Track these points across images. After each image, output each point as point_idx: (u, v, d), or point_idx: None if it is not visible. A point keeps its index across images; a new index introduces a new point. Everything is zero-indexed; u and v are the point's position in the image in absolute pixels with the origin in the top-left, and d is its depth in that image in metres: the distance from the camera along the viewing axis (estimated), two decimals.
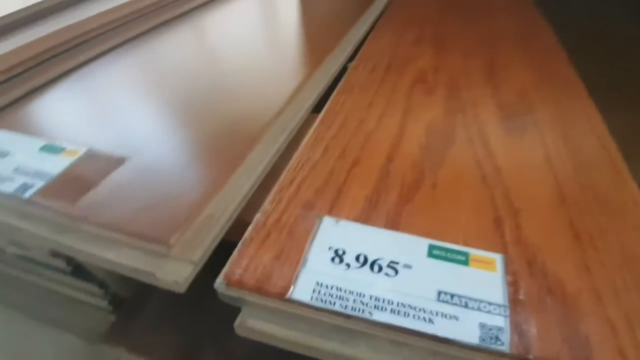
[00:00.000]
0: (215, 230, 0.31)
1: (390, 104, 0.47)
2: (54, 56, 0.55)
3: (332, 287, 0.26)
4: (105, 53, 0.60)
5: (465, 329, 0.24)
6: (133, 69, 0.56)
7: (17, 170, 0.37)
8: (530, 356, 0.23)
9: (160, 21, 0.71)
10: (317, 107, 0.48)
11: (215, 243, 0.31)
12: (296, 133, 0.44)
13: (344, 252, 0.28)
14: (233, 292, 0.27)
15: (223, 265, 0.28)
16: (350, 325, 0.25)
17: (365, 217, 0.31)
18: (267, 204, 0.33)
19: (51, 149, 0.39)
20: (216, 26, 0.73)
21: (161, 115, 0.45)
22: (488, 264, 0.28)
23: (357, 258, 0.28)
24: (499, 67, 0.57)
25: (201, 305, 0.35)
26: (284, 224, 0.31)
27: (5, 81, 0.50)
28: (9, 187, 0.35)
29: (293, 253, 0.28)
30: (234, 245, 0.29)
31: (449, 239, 0.30)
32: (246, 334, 0.26)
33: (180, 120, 0.43)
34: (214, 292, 0.27)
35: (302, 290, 0.26)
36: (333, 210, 0.32)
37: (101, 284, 0.40)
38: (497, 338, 0.24)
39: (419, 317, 0.25)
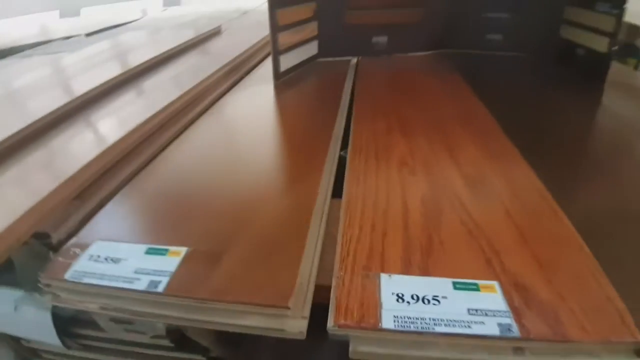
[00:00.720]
0: (309, 294, 0.45)
1: (390, 186, 0.64)
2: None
3: (404, 317, 0.41)
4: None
5: (490, 328, 0.40)
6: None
7: (137, 271, 0.49)
8: (532, 336, 0.39)
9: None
10: (333, 193, 0.64)
11: (310, 302, 0.45)
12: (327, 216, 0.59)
13: (403, 295, 0.44)
14: (341, 331, 0.41)
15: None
16: (422, 339, 0.40)
17: (406, 270, 0.47)
18: (337, 271, 0.47)
19: (156, 251, 0.52)
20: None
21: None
22: (491, 289, 0.45)
23: (412, 297, 0.43)
24: (454, 147, 0.77)
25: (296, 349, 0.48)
26: (356, 283, 0.46)
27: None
28: (140, 286, 0.47)
29: (371, 300, 0.43)
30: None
31: (464, 276, 0.46)
32: (360, 357, 0.40)
33: (245, 214, 0.58)
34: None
35: (387, 322, 0.40)
36: (384, 269, 0.47)
37: (204, 351, 0.52)
38: (509, 329, 0.40)
39: (461, 326, 0.40)
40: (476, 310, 0.42)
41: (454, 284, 0.45)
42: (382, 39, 1.45)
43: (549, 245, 0.52)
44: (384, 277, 0.46)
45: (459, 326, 0.40)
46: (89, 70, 1.20)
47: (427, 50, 1.45)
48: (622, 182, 0.71)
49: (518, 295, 0.44)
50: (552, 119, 0.94)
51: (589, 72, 1.15)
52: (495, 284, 0.45)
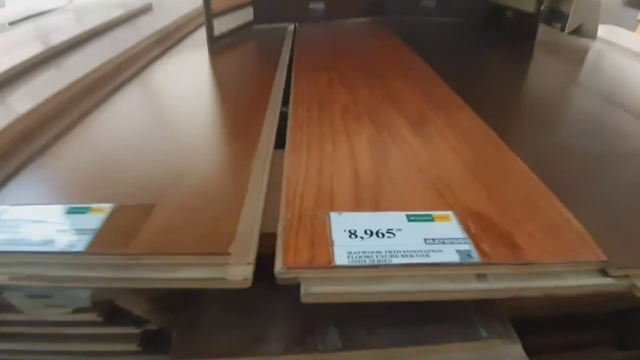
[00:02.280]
0: (253, 239, 0.41)
1: (335, 131, 0.61)
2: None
3: (359, 252, 0.38)
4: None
5: (449, 256, 0.38)
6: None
7: (54, 233, 0.42)
8: (492, 260, 0.38)
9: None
10: (277, 145, 0.60)
11: (255, 249, 0.41)
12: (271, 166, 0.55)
13: (355, 231, 0.40)
14: (291, 274, 0.37)
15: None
16: (379, 273, 0.37)
17: (357, 207, 0.44)
18: (284, 215, 0.43)
19: (77, 210, 0.45)
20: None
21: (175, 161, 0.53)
22: (445, 218, 0.43)
23: (366, 232, 0.40)
24: (396, 95, 0.75)
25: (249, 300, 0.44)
26: (305, 223, 0.42)
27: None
28: (57, 247, 0.40)
29: (322, 239, 0.39)
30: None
31: (417, 209, 0.44)
32: (312, 299, 0.36)
33: (187, 164, 0.52)
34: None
35: (340, 259, 0.37)
36: (334, 208, 0.44)
37: (139, 322, 0.46)
38: (469, 255, 0.38)
39: (418, 256, 0.37)
40: (433, 239, 0.39)
41: (408, 216, 0.43)
42: (319, 5, 1.41)
43: (498, 175, 0.51)
44: (334, 215, 0.43)
45: (416, 256, 0.38)
46: (8, 51, 1.06)
47: (363, 17, 1.43)
48: (556, 122, 0.72)
49: (473, 222, 0.42)
50: (488, 76, 0.95)
51: (519, 33, 1.18)
52: (449, 213, 0.43)
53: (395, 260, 0.37)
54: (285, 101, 0.75)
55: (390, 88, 0.78)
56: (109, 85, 0.84)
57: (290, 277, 0.37)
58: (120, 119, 0.69)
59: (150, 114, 0.72)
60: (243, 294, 0.37)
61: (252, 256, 0.39)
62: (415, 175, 0.51)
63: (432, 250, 0.38)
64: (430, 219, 0.42)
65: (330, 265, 0.37)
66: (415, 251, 0.38)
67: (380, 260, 0.37)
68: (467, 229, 0.41)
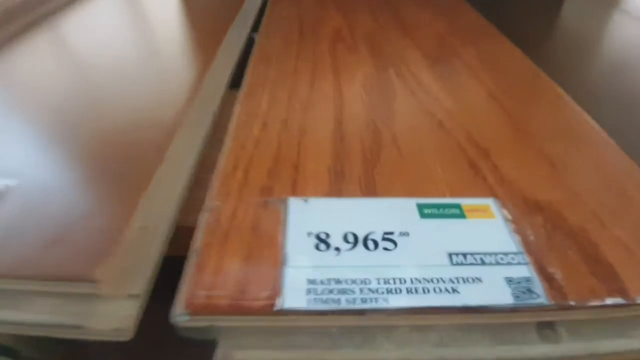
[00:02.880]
0: (155, 245, 0.24)
1: (318, 67, 0.42)
2: None
3: (329, 281, 0.21)
4: None
5: (493, 289, 0.21)
6: None
7: None
8: (571, 301, 0.20)
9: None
10: (235, 84, 0.41)
11: (159, 262, 0.24)
12: (220, 116, 0.37)
13: (327, 235, 0.23)
14: (201, 322, 0.20)
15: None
16: (364, 322, 0.20)
17: (336, 190, 0.26)
18: (212, 200, 0.26)
19: None
20: (79, 27, 0.61)
21: (45, 131, 0.35)
22: (484, 212, 0.25)
23: (346, 238, 0.23)
24: (408, 19, 0.55)
25: (162, 348, 0.28)
26: (243, 218, 0.24)
27: None
28: None
29: (266, 251, 0.22)
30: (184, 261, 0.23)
31: (435, 194, 0.26)
32: None
33: (69, 132, 0.34)
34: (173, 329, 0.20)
35: (293, 295, 0.20)
36: (296, 189, 0.26)
37: (10, 352, 0.30)
38: (529, 290, 0.21)
39: (440, 290, 0.20)
40: (464, 255, 0.22)
41: (420, 207, 0.25)
42: None
43: (563, 140, 0.33)
44: (294, 203, 0.25)
45: (435, 290, 0.20)
46: None
47: None
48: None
49: (532, 221, 0.25)
50: (517, 25, 0.73)
51: None
52: (489, 202, 0.26)
53: (394, 301, 0.20)
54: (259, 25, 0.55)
55: (399, 9, 0.58)
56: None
57: (200, 327, 0.20)
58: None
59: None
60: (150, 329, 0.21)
61: (140, 282, 0.22)
62: (434, 133, 0.33)
63: (465, 278, 0.21)
64: (459, 212, 0.25)
65: (271, 308, 0.20)
66: (432, 280, 0.21)
67: (366, 301, 0.20)
68: (520, 234, 0.24)
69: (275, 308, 0.20)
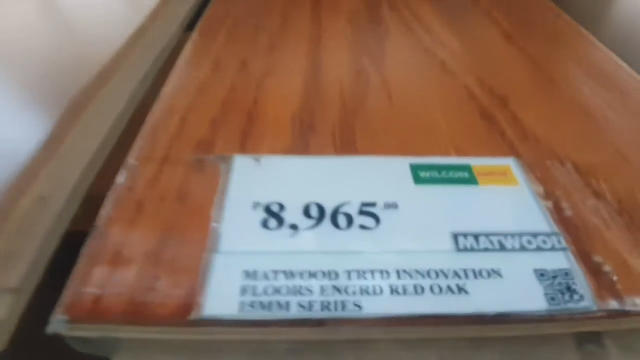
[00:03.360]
0: (49, 220, 0.17)
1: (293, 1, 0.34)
2: None
3: (276, 275, 0.14)
4: None
5: (518, 288, 0.14)
6: None
7: None
8: (628, 305, 0.14)
9: None
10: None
11: (55, 243, 0.17)
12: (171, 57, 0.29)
13: (281, 208, 0.16)
14: (87, 332, 0.13)
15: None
16: (326, 337, 0.13)
17: (301, 146, 0.19)
18: (133, 158, 0.19)
19: None
20: None
21: None
22: (502, 176, 0.18)
23: (308, 211, 0.16)
24: None
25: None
26: (167, 183, 0.17)
27: None
28: None
29: (192, 230, 0.15)
30: None
31: (435, 152, 0.19)
32: None
33: None
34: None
35: (220, 297, 0.13)
36: (247, 144, 0.19)
37: None
38: (569, 289, 0.14)
39: (441, 289, 0.14)
40: (476, 236, 0.15)
41: (415, 169, 0.18)
42: None
43: (595, 83, 0.25)
44: (241, 163, 0.18)
45: (433, 290, 0.14)
46: None
47: None
48: None
49: (567, 190, 0.18)
50: None
51: None
52: (510, 163, 0.19)
53: (369, 307, 0.13)
54: None
55: None
56: None
57: (91, 340, 0.14)
58: None
59: None
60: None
61: (22, 271, 0.15)
62: (436, 77, 0.25)
63: (476, 271, 0.14)
64: (468, 176, 0.18)
65: (186, 317, 0.13)
66: (428, 273, 0.14)
67: (331, 306, 0.13)
68: (554, 208, 0.17)
69: (192, 316, 0.13)
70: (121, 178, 0.18)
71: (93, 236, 0.16)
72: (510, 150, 0.20)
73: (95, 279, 0.14)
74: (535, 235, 0.16)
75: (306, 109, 0.22)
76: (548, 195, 0.17)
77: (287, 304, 0.13)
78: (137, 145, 0.20)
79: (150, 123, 0.21)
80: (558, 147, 0.20)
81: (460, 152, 0.19)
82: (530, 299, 0.14)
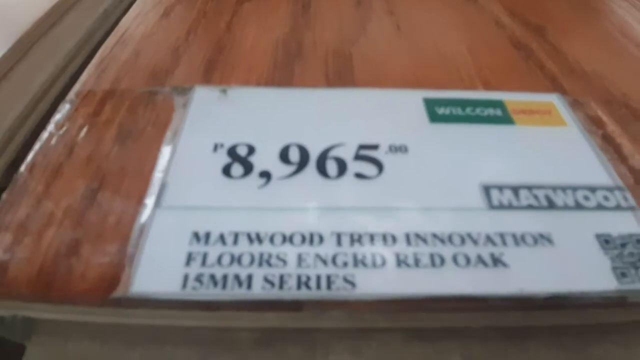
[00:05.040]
0: None
1: None
2: None
3: (236, 239, 0.10)
4: None
5: (576, 260, 0.10)
6: None
7: None
8: None
9: None
10: None
11: None
12: None
13: (250, 150, 0.12)
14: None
15: None
16: (304, 324, 0.10)
17: (284, 75, 0.15)
18: (73, 93, 0.15)
19: None
20: None
21: None
22: (546, 115, 0.14)
23: (285, 155, 0.12)
24: None
25: None
26: (107, 123, 0.13)
27: None
28: None
29: (130, 179, 0.12)
30: None
31: (457, 86, 0.15)
32: None
33: None
34: None
35: (155, 268, 0.09)
36: (213, 75, 0.15)
37: None
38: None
39: (468, 260, 0.10)
40: (515, 189, 0.11)
41: (429, 104, 0.14)
42: None
43: None
44: (202, 94, 0.14)
45: (454, 261, 0.10)
46: None
47: None
48: None
49: (626, 133, 0.14)
50: None
51: None
52: (553, 99, 0.14)
53: (365, 283, 0.09)
54: None
55: None
56: None
57: (3, 318, 0.10)
58: None
59: None
60: None
61: None
62: (455, 3, 0.21)
63: (514, 236, 0.10)
64: (501, 114, 0.14)
65: (110, 295, 0.09)
66: (450, 238, 0.10)
67: (311, 280, 0.09)
68: (618, 153, 0.13)
69: (116, 294, 0.09)
70: (56, 116, 0.14)
71: (11, 187, 0.12)
72: (553, 85, 0.15)
73: (4, 240, 0.10)
74: (592, 189, 0.11)
75: (292, 36, 0.17)
76: (606, 139, 0.13)
77: (249, 279, 0.09)
78: (81, 79, 0.16)
79: (100, 54, 0.17)
80: (611, 84, 0.16)
81: (489, 86, 0.15)
82: (593, 274, 0.10)
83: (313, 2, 0.20)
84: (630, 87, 0.16)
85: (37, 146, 0.13)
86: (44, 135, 0.13)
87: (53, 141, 0.13)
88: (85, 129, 0.13)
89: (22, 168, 0.12)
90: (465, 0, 0.21)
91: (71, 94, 0.15)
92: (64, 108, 0.14)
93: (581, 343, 0.10)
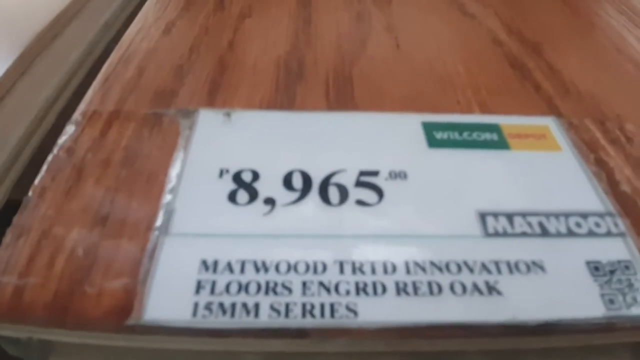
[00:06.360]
0: None
1: None
2: None
3: (243, 267, 0.10)
4: None
5: (567, 287, 0.10)
6: None
7: None
8: None
9: None
10: None
11: None
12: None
13: (255, 176, 0.12)
14: (12, 331, 0.10)
15: None
16: (308, 349, 0.10)
17: (286, 98, 0.15)
18: (78, 114, 0.15)
19: None
20: None
21: None
22: (540, 139, 0.14)
23: (289, 181, 0.12)
24: None
25: None
26: (114, 145, 0.14)
27: None
28: None
29: (138, 204, 0.12)
30: None
31: (454, 109, 0.15)
32: None
33: None
34: None
35: (167, 295, 0.10)
36: (216, 96, 0.15)
37: None
38: (631, 288, 0.11)
39: (464, 287, 0.10)
40: (509, 216, 0.12)
41: (427, 128, 0.14)
42: None
43: None
44: (207, 117, 0.14)
45: (451, 289, 0.10)
46: None
47: None
48: None
49: (622, 159, 0.14)
50: None
51: None
52: (549, 123, 0.15)
53: (367, 311, 0.10)
54: None
55: None
56: None
57: (19, 341, 0.10)
58: None
59: None
60: None
61: None
62: (453, 18, 0.21)
63: (508, 264, 0.11)
64: (497, 138, 0.14)
65: (123, 322, 0.10)
66: (447, 266, 0.11)
67: (316, 308, 0.10)
68: (610, 179, 0.13)
69: (130, 321, 0.10)
70: (62, 137, 0.14)
71: (21, 211, 0.12)
72: (548, 108, 0.16)
73: (18, 265, 0.11)
74: (584, 215, 0.12)
75: (293, 54, 0.17)
76: (599, 164, 0.14)
77: (256, 307, 0.10)
78: (86, 99, 0.16)
79: (104, 72, 0.17)
80: (606, 106, 0.16)
81: (485, 109, 0.15)
82: (582, 301, 0.10)
83: (314, 17, 0.20)
84: (624, 108, 0.16)
85: (44, 169, 0.13)
86: (51, 157, 0.14)
87: (61, 164, 0.13)
88: (92, 152, 0.14)
89: (31, 192, 0.13)
90: (462, 14, 0.22)
91: (77, 114, 0.15)
92: (70, 129, 0.14)
93: None
